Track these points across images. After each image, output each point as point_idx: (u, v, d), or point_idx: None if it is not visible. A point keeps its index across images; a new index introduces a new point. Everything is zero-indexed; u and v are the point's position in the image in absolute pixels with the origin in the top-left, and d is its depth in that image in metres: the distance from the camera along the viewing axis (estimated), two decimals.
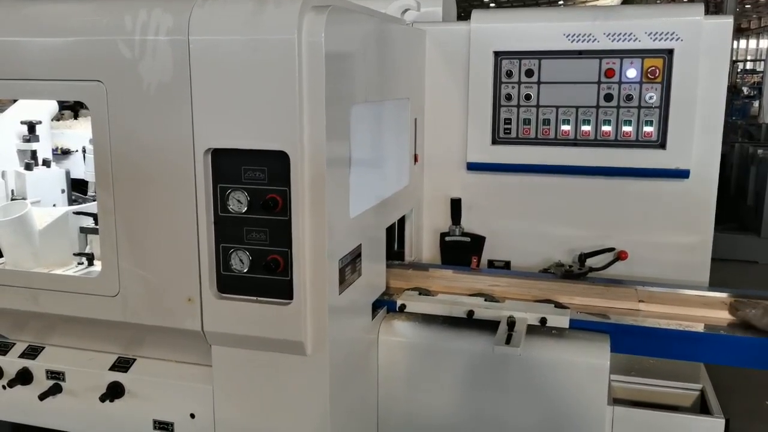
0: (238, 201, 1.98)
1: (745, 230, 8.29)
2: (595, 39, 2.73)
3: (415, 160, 2.91)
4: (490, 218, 3.04)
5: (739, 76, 21.97)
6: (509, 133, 2.90)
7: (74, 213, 2.74)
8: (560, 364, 2.31)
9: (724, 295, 2.53)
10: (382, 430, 2.52)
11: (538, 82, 2.84)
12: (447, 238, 3.06)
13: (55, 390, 2.34)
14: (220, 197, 1.99)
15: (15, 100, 3.29)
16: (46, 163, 3.14)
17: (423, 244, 3.15)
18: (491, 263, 3.06)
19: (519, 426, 2.38)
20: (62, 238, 2.66)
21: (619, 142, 2.79)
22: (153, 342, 2.27)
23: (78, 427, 2.39)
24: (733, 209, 8.66)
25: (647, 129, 2.75)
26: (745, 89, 18.86)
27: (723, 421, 2.31)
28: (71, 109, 4.73)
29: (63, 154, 3.43)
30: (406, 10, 3.01)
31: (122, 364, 2.31)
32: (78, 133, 3.54)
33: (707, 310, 2.46)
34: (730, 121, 11.67)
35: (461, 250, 3.02)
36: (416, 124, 2.89)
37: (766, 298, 2.47)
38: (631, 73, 2.73)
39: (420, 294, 2.62)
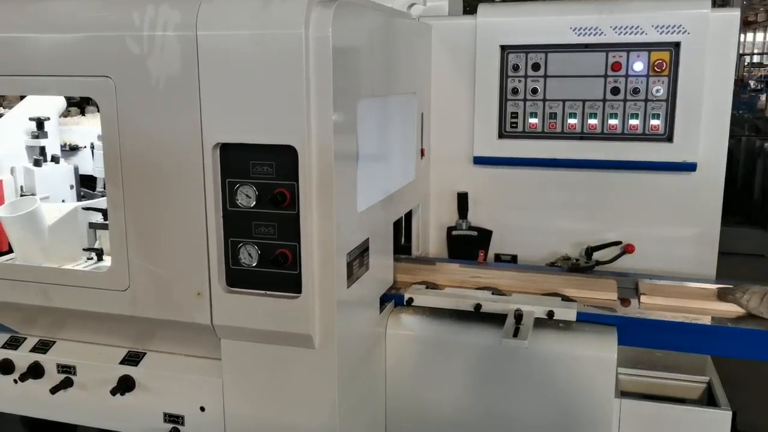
0: (247, 195, 1.99)
1: (752, 224, 8.29)
2: (602, 32, 2.73)
3: (422, 154, 2.92)
4: (497, 212, 3.04)
5: (745, 69, 21.86)
6: (516, 127, 2.90)
7: (83, 208, 2.75)
8: (568, 357, 2.32)
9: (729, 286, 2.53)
10: (390, 422, 2.54)
11: (545, 76, 2.84)
12: (454, 232, 3.07)
13: (66, 384, 2.36)
14: (228, 192, 2.00)
15: (22, 97, 3.31)
16: (55, 159, 3.15)
17: (430, 238, 3.16)
18: (498, 257, 3.07)
19: (526, 418, 2.39)
20: (71, 233, 2.68)
21: (625, 136, 2.79)
22: (163, 336, 2.29)
23: (89, 421, 2.41)
24: (740, 203, 8.65)
25: (654, 122, 2.75)
26: (751, 83, 18.78)
27: (730, 413, 2.31)
28: (77, 105, 4.75)
29: (71, 150, 3.44)
30: (412, 5, 3.01)
31: (132, 358, 2.33)
32: (86, 129, 3.55)
33: (709, 303, 2.47)
34: (737, 114, 11.64)
35: (468, 244, 3.02)
36: (423, 119, 2.89)
37: None
38: (638, 66, 2.73)
39: (427, 288, 2.62)
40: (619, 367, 2.34)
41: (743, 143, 9.25)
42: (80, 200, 3.12)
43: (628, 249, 2.84)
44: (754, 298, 2.36)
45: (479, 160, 2.98)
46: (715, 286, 2.55)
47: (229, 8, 1.91)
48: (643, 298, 2.50)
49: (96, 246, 2.74)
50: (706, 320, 2.37)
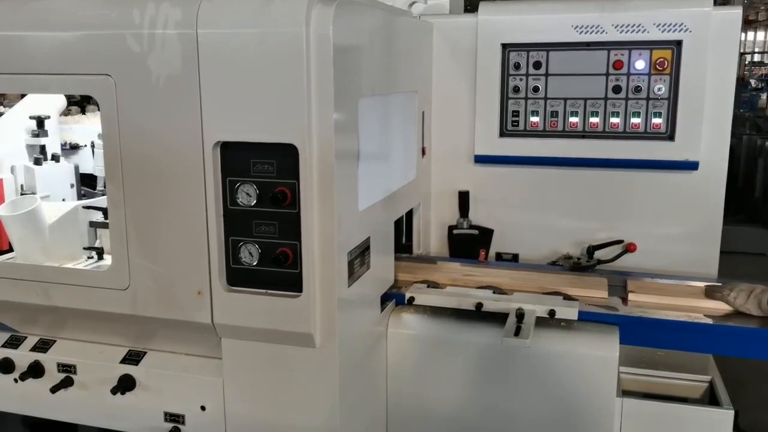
0: (247, 194, 1.99)
1: (753, 222, 8.28)
2: (603, 30, 2.72)
3: (423, 153, 2.91)
4: (498, 211, 3.04)
5: (746, 68, 21.83)
6: (517, 126, 2.90)
7: (83, 207, 2.75)
8: (569, 356, 2.31)
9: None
10: (391, 421, 2.53)
11: (546, 74, 2.83)
12: (455, 231, 3.06)
13: (67, 383, 2.35)
14: (228, 190, 1.99)
15: (22, 96, 3.31)
16: (55, 157, 3.15)
17: (431, 237, 3.15)
18: (499, 256, 3.06)
19: (528, 418, 2.39)
20: (72, 232, 2.68)
21: (627, 134, 2.79)
22: (163, 335, 2.29)
23: (89, 420, 2.41)
24: (741, 202, 8.63)
25: (656, 121, 2.74)
26: (752, 81, 18.74)
27: (732, 412, 2.30)
28: (78, 104, 4.75)
29: (71, 148, 3.44)
30: (413, 3, 3.01)
31: (133, 357, 2.32)
32: (86, 127, 3.55)
33: (696, 300, 2.49)
34: (738, 113, 11.62)
35: (469, 243, 3.02)
36: (423, 117, 2.89)
37: None
38: (640, 64, 2.72)
39: (428, 287, 2.62)
40: (620, 366, 2.33)
41: (744, 142, 9.24)
42: (80, 199, 3.12)
43: (629, 248, 2.83)
44: (741, 295, 2.38)
45: (480, 159, 2.97)
46: (702, 284, 2.56)
47: (230, 6, 1.91)
48: (630, 296, 2.51)
49: (96, 245, 2.73)
50: (708, 319, 2.37)
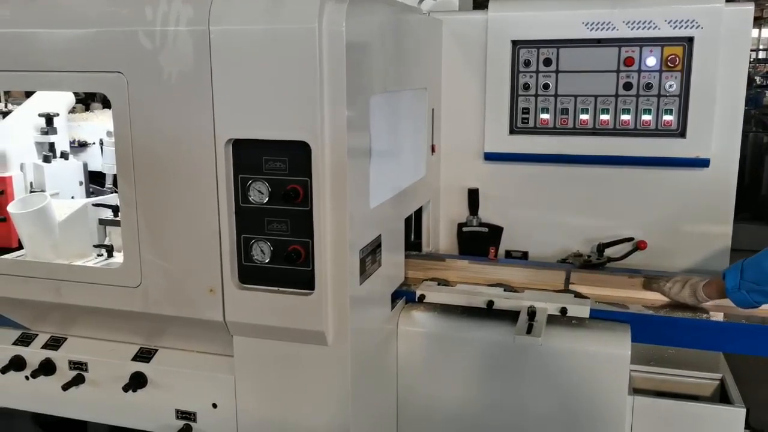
0: (259, 191, 1.98)
1: (759, 220, 8.25)
2: (614, 27, 2.70)
3: (432, 150, 2.90)
4: (508, 208, 3.02)
5: (751, 65, 21.71)
6: (527, 123, 2.89)
7: (93, 205, 2.75)
8: (581, 354, 2.31)
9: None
10: (401, 419, 2.53)
11: (557, 71, 2.82)
12: (464, 229, 3.05)
13: (78, 380, 2.35)
14: (240, 188, 1.99)
15: (28, 94, 3.31)
16: (64, 155, 3.15)
17: (440, 234, 3.14)
18: (509, 254, 3.05)
19: (538, 415, 2.38)
20: (81, 229, 2.67)
21: (638, 131, 2.77)
22: (175, 332, 2.28)
23: (101, 418, 2.41)
24: (747, 199, 8.60)
25: (667, 118, 2.72)
26: (757, 78, 18.66)
27: (744, 410, 2.30)
28: (82, 102, 4.75)
29: (80, 146, 3.44)
30: None
31: (144, 355, 2.32)
32: (95, 125, 3.55)
33: (634, 291, 2.54)
34: (743, 110, 11.52)
35: (479, 241, 3.01)
36: (433, 115, 2.88)
37: None
38: (651, 61, 2.71)
39: (438, 284, 2.62)
40: (631, 364, 2.32)
41: (750, 139, 9.19)
42: (89, 197, 3.12)
43: (640, 245, 2.82)
44: (676, 285, 2.43)
45: (490, 156, 2.96)
46: (643, 277, 2.58)
47: (242, 3, 1.90)
48: (571, 288, 2.55)
49: (106, 242, 2.73)
50: (719, 317, 2.36)
